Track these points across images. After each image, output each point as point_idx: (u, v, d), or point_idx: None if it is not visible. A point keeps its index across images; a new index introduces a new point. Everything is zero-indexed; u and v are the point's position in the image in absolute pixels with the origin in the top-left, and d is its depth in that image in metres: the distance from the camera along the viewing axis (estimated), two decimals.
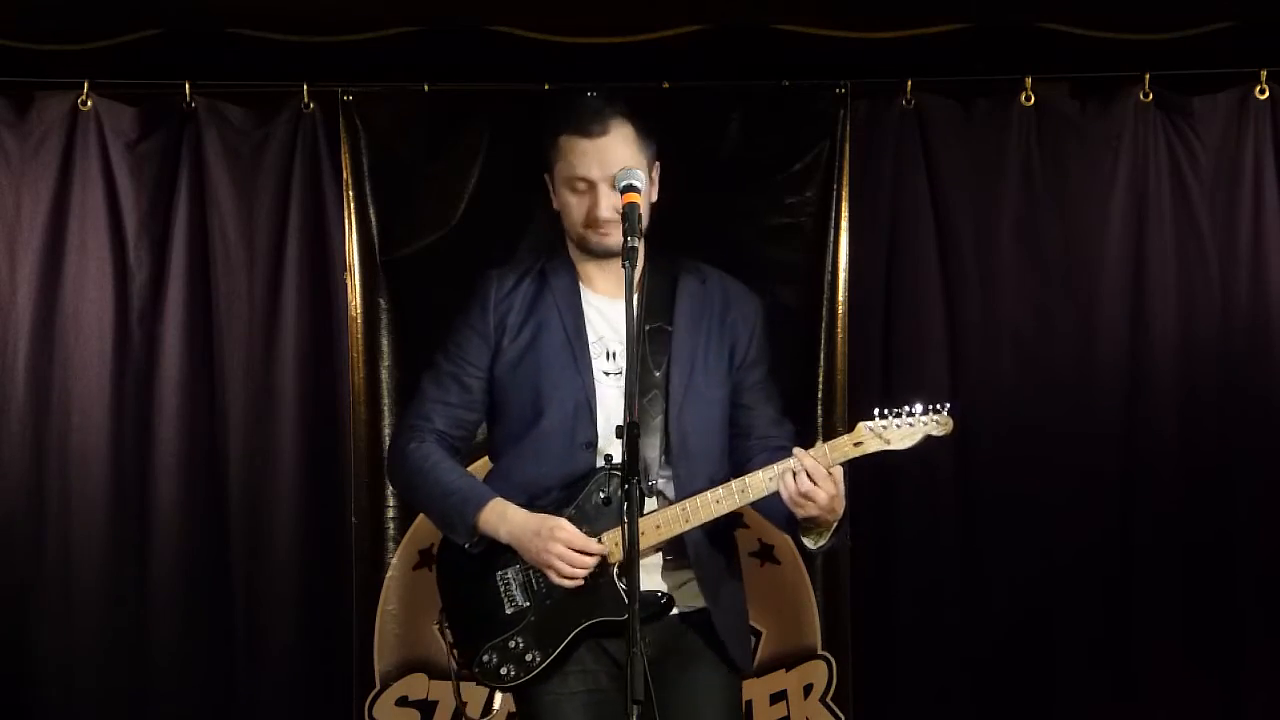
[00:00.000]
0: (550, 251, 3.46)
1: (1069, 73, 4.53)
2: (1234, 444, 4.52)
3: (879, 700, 4.49)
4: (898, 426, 3.20)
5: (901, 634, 4.51)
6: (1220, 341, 4.53)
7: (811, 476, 3.14)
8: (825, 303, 4.44)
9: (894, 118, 4.52)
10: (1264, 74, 4.48)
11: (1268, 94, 4.49)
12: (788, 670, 4.42)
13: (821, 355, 4.42)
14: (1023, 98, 4.51)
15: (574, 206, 3.32)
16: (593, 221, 3.29)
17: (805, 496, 3.14)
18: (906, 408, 3.20)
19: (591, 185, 3.28)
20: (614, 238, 3.22)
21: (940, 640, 4.50)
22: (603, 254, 3.33)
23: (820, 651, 4.43)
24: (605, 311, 3.36)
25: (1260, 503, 4.50)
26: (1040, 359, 4.54)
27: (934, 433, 3.22)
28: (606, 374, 3.31)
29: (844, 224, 4.44)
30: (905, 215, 4.55)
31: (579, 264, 3.39)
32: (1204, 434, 4.52)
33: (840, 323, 4.43)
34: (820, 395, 4.41)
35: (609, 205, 3.25)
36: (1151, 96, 4.50)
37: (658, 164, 3.38)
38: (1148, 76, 4.49)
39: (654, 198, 3.36)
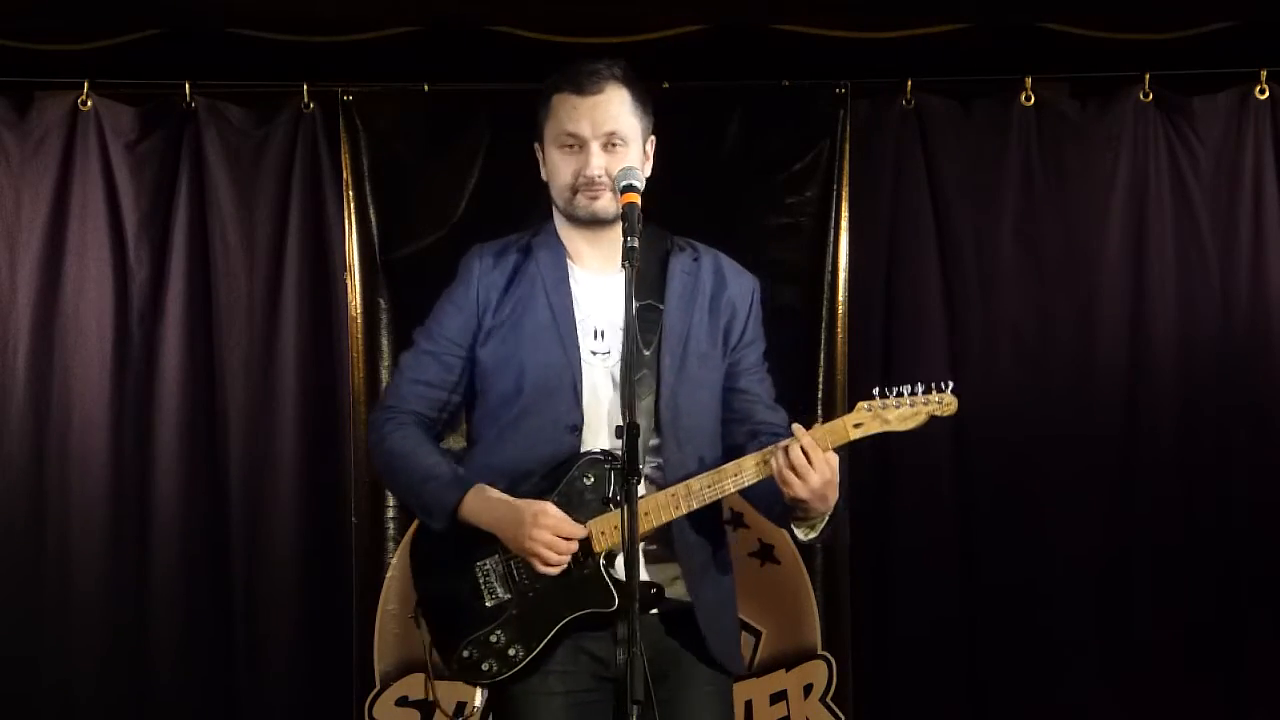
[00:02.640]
0: (538, 226, 3.28)
1: (1069, 73, 4.53)
2: (1233, 443, 4.52)
3: (879, 700, 4.49)
4: (897, 406, 3.06)
5: (901, 634, 4.52)
6: (1220, 341, 4.53)
7: (807, 454, 2.97)
8: (825, 303, 4.44)
9: (894, 118, 4.53)
10: (1264, 74, 4.49)
11: (1268, 94, 4.50)
12: (788, 670, 4.41)
13: (821, 355, 4.42)
14: (1023, 98, 4.51)
15: (562, 167, 3.15)
16: (582, 182, 3.12)
17: (795, 472, 2.97)
18: (907, 387, 3.06)
19: (582, 143, 3.12)
20: (603, 201, 3.10)
21: (939, 640, 4.50)
22: (590, 220, 3.16)
23: (820, 651, 4.43)
24: (594, 288, 3.19)
25: (1259, 502, 4.50)
26: (1040, 359, 4.54)
27: (938, 413, 3.08)
28: (594, 353, 3.13)
29: (844, 224, 4.44)
30: (905, 215, 4.56)
31: (567, 238, 3.22)
32: (1203, 433, 4.53)
33: (840, 323, 4.44)
34: (820, 395, 4.41)
35: (600, 165, 3.10)
36: (1151, 96, 4.50)
37: (653, 138, 3.22)
38: (1148, 76, 4.49)
39: (648, 173, 3.20)
